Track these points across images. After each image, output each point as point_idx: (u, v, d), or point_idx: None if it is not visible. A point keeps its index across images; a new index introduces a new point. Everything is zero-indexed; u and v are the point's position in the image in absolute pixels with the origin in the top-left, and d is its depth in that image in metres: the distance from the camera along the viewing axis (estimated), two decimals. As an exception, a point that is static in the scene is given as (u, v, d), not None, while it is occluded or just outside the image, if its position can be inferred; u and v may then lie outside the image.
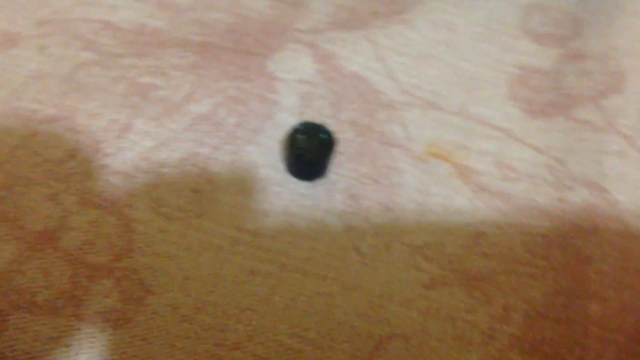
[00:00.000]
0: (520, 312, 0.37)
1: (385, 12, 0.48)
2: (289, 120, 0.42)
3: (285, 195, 0.40)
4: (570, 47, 0.49)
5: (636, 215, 0.40)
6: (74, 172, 0.38)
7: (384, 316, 0.36)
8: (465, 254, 0.39)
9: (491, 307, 0.37)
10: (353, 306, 0.36)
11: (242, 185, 0.40)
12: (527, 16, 0.50)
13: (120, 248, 0.36)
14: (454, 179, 0.42)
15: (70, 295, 0.35)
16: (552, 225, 0.40)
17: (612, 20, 0.49)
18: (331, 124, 0.42)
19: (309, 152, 0.39)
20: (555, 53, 0.48)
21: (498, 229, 0.40)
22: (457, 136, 0.44)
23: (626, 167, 0.42)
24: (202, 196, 0.39)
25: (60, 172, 0.38)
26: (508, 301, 0.38)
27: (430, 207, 0.40)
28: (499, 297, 0.38)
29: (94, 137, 0.39)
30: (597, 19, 0.50)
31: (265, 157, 0.41)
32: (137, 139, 0.40)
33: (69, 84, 0.41)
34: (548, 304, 0.37)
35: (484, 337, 0.36)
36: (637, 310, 0.37)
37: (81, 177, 0.38)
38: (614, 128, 0.43)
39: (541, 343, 0.36)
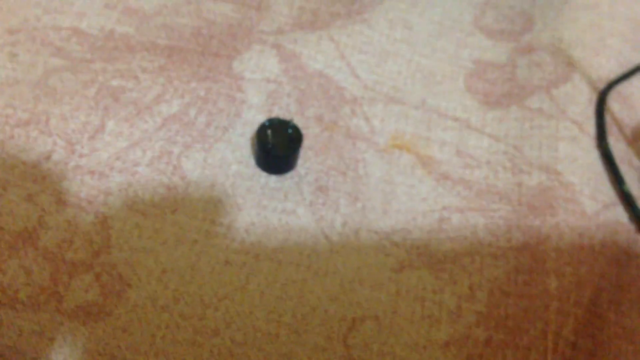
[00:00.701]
0: (484, 290, 0.39)
1: (345, 12, 0.50)
2: (257, 118, 0.44)
3: (256, 189, 0.41)
4: (522, 41, 0.51)
5: (588, 196, 0.42)
6: (49, 174, 0.39)
7: (355, 299, 0.38)
8: (431, 239, 0.41)
9: (457, 287, 0.39)
10: (325, 291, 0.38)
11: (214, 180, 0.41)
12: (481, 13, 0.53)
13: (98, 245, 0.38)
14: (417, 169, 0.44)
15: (51, 291, 0.36)
16: (511, 209, 0.42)
17: (560, 14, 0.52)
18: (297, 121, 0.44)
19: (277, 146, 0.40)
20: (508, 47, 0.51)
21: (461, 213, 0.42)
22: (419, 128, 0.45)
23: (578, 151, 0.44)
24: (176, 192, 0.40)
25: (36, 174, 0.39)
26: (473, 281, 0.40)
27: (396, 195, 0.42)
28: (464, 278, 0.40)
29: (68, 139, 0.40)
30: (547, 13, 0.52)
31: (236, 153, 0.42)
32: (111, 140, 0.41)
33: (41, 89, 0.42)
34: (510, 282, 0.39)
35: (452, 315, 0.38)
36: (593, 284, 0.39)
37: (57, 178, 0.39)
38: (566, 115, 0.46)
39: (505, 318, 0.38)
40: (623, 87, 0.48)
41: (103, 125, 0.41)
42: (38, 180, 0.39)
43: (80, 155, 0.40)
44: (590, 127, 0.45)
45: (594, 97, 0.47)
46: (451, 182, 0.43)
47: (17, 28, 0.45)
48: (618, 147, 0.45)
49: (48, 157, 0.40)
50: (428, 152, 0.45)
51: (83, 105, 0.42)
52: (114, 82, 0.43)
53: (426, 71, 0.49)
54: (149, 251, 0.38)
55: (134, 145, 0.41)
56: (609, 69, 0.49)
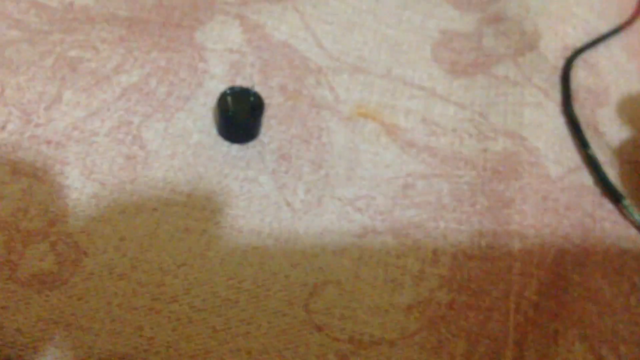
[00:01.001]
0: (448, 254, 0.39)
1: (310, -17, 0.50)
2: (219, 88, 0.43)
3: (217, 158, 0.41)
4: (489, 11, 0.51)
5: (553, 160, 0.42)
6: (4, 143, 0.39)
7: (317, 265, 0.38)
8: (395, 205, 0.40)
9: (421, 252, 0.39)
10: (287, 257, 0.38)
11: (174, 150, 0.40)
12: (448, -16, 0.52)
13: (53, 214, 0.37)
14: (383, 137, 0.43)
15: (5, 259, 0.35)
16: (476, 174, 0.42)
17: (527, -16, 0.51)
18: (261, 90, 0.43)
19: (238, 114, 0.40)
20: (475, 17, 0.50)
21: (425, 180, 0.42)
22: (384, 97, 0.45)
23: (543, 117, 0.44)
24: (136, 162, 0.40)
25: (-10, 143, 0.38)
26: (436, 245, 0.39)
27: (360, 163, 0.42)
28: (428, 242, 0.39)
29: (24, 109, 0.40)
30: (513, -17, 0.52)
31: (198, 123, 0.42)
32: (68, 110, 0.40)
33: (-3, 60, 0.41)
34: (474, 246, 0.39)
35: (415, 279, 0.38)
36: (556, 246, 0.39)
37: (12, 148, 0.39)
38: (531, 82, 0.45)
39: (468, 281, 0.38)
40: (589, 55, 0.48)
41: (60, 95, 0.41)
42: (-7, 150, 0.38)
43: (36, 125, 0.39)
44: (556, 94, 0.45)
45: (560, 65, 0.47)
46: (416, 149, 0.43)
47: (-26, 0, 0.44)
48: (584, 113, 0.45)
49: (3, 127, 0.39)
50: (393, 120, 0.44)
51: (39, 76, 0.41)
52: (72, 53, 0.43)
53: (392, 41, 0.48)
54: (106, 220, 0.37)
55: (92, 115, 0.41)
56: (575, 37, 0.48)
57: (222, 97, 0.40)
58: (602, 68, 0.48)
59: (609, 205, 0.42)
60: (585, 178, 0.42)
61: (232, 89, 0.41)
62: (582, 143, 0.43)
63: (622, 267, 0.39)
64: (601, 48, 0.49)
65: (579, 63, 0.47)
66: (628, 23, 0.50)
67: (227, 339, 0.35)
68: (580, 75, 0.47)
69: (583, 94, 0.46)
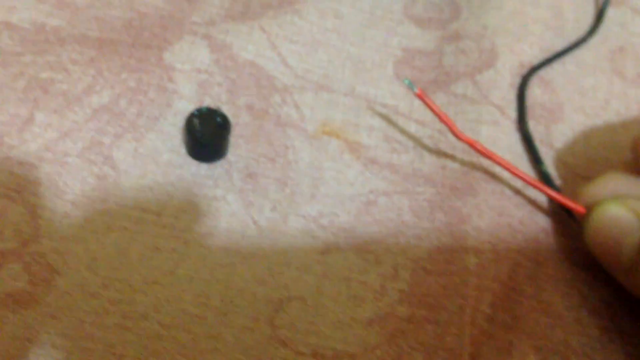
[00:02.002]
0: (408, 269, 0.41)
1: (277, 3, 0.51)
2: (187, 108, 0.45)
3: (186, 177, 0.42)
4: (449, 29, 0.52)
5: (508, 177, 0.44)
6: (-22, 165, 0.40)
7: (282, 281, 0.39)
8: (358, 221, 0.42)
9: (382, 267, 0.41)
10: (253, 274, 0.39)
11: (145, 170, 0.42)
12: (411, 2, 0.54)
13: (27, 234, 0.38)
14: (346, 154, 0.45)
15: (-21, 280, 0.36)
16: (435, 191, 0.44)
17: (486, 2, 0.53)
18: (228, 110, 0.45)
19: (206, 135, 0.41)
20: (436, 35, 0.52)
21: (387, 197, 0.43)
22: (348, 115, 0.47)
23: (499, 134, 0.46)
24: (107, 182, 0.41)
25: (-36, 166, 0.40)
26: (397, 261, 0.41)
27: (324, 180, 0.44)
28: (388, 258, 0.41)
29: (-3, 132, 0.41)
30: (473, 1, 0.54)
31: (167, 143, 0.43)
32: (40, 131, 0.42)
33: (-31, 83, 0.43)
34: (432, 261, 0.41)
35: (376, 294, 0.40)
36: (510, 260, 0.41)
37: (-15, 170, 0.40)
38: (488, 100, 0.47)
39: (426, 296, 0.40)
40: (545, 72, 0.50)
41: (32, 117, 0.42)
42: (-34, 173, 0.39)
43: (9, 147, 0.41)
44: (512, 111, 0.47)
45: (516, 82, 0.49)
46: (378, 166, 0.45)
47: (-54, 22, 0.45)
48: (538, 129, 0.47)
49: (-24, 150, 0.40)
50: (356, 138, 0.46)
51: (12, 98, 0.42)
52: (44, 75, 0.44)
53: (356, 59, 0.50)
54: (78, 240, 0.39)
55: (63, 136, 0.42)
56: (531, 54, 0.50)
57: (190, 119, 0.42)
58: (557, 85, 0.50)
59: (561, 220, 0.44)
60: (539, 194, 0.44)
61: (199, 110, 0.42)
62: (535, 159, 0.45)
63: (573, 279, 0.41)
64: (556, 65, 0.51)
65: (534, 80, 0.49)
66: (582, 40, 0.52)
67: (195, 355, 0.36)
68: (535, 93, 0.49)
69: (538, 110, 0.48)
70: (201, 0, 0.50)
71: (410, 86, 0.43)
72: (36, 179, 0.40)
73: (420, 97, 0.43)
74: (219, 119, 0.42)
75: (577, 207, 0.40)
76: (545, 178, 0.44)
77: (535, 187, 0.41)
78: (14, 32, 0.46)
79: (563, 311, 0.40)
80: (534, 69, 0.49)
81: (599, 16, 0.54)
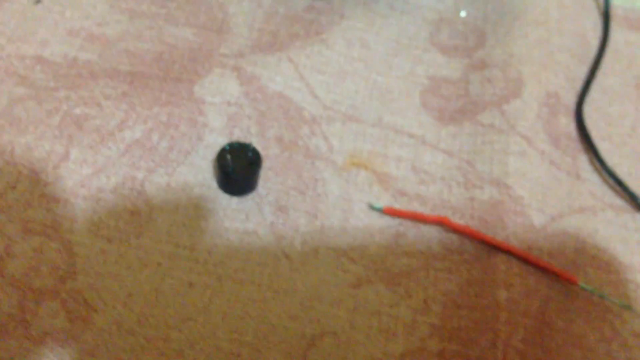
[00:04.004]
0: (438, 303, 0.41)
1: (304, 34, 0.52)
2: (218, 141, 0.45)
3: (218, 211, 0.43)
4: (475, 57, 0.53)
5: (536, 208, 0.44)
6: (15, 203, 0.40)
7: (314, 316, 0.40)
8: (387, 254, 0.43)
9: (412, 301, 0.41)
10: (285, 309, 0.40)
11: (177, 204, 0.42)
12: (436, 31, 0.54)
13: (64, 271, 0.39)
14: (374, 185, 0.45)
15: (19, 318, 0.37)
16: (464, 223, 0.44)
17: (511, 30, 0.53)
18: (258, 142, 0.45)
19: (237, 170, 0.42)
20: (461, 63, 0.53)
21: (416, 229, 0.44)
22: (376, 145, 0.47)
23: (527, 165, 0.46)
24: (140, 217, 0.42)
25: (2, 203, 0.40)
26: (427, 294, 0.41)
27: (354, 213, 0.44)
28: (419, 291, 0.41)
29: (33, 168, 0.42)
30: (498, 29, 0.54)
31: (198, 176, 0.44)
32: (75, 167, 0.42)
33: (5, 119, 0.43)
34: (463, 294, 0.41)
35: (407, 328, 0.40)
36: (540, 294, 0.41)
37: (23, 207, 0.40)
38: (515, 130, 0.47)
39: (458, 330, 0.40)
40: (570, 101, 0.50)
41: (67, 153, 0.43)
42: (4, 210, 0.40)
43: (45, 184, 0.41)
44: (539, 142, 0.47)
45: (543, 113, 0.49)
46: (407, 198, 0.45)
47: (-19, 58, 0.46)
48: (566, 160, 0.48)
49: (14, 187, 0.41)
50: (385, 169, 0.46)
51: (47, 134, 0.43)
52: (78, 110, 0.45)
53: (383, 89, 0.50)
54: (114, 276, 0.39)
55: (98, 172, 0.43)
56: (557, 84, 0.51)
57: (221, 153, 0.42)
58: (583, 113, 0.50)
59: (591, 251, 0.44)
60: (568, 225, 0.44)
61: (230, 144, 0.43)
62: (631, 196, 0.47)
63: (604, 312, 0.42)
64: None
65: (560, 110, 0.50)
66: (597, 63, 0.53)
67: (231, 392, 0.37)
68: (561, 122, 0.49)
69: (564, 140, 0.48)
70: (230, 31, 0.51)
71: (377, 208, 0.44)
72: (72, 216, 0.41)
73: (388, 212, 0.44)
74: (250, 154, 0.43)
75: (571, 277, 0.41)
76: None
77: (524, 258, 0.42)
78: (47, 66, 0.47)
79: (594, 344, 0.40)
80: (581, 101, 0.50)
81: (605, 32, 0.54)
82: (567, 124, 0.49)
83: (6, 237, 0.39)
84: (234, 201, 0.43)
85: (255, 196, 0.44)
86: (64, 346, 0.37)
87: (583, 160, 0.48)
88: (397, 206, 0.45)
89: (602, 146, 0.49)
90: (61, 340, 0.37)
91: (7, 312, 0.37)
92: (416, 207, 0.45)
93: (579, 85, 0.52)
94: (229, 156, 0.42)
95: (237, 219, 0.43)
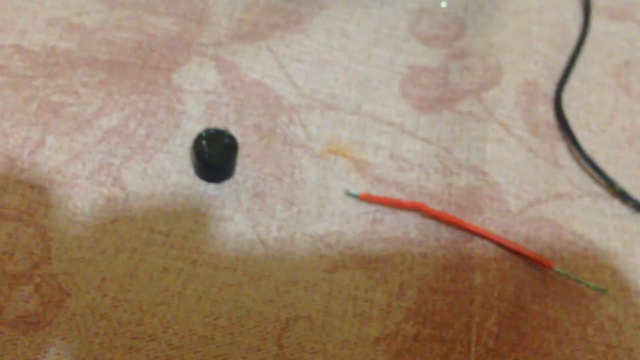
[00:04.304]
0: (414, 288, 0.41)
1: (283, 23, 0.52)
2: (196, 129, 0.45)
3: (195, 197, 0.43)
4: (455, 46, 0.53)
5: (513, 195, 0.44)
6: (-10, 189, 0.40)
7: (289, 301, 0.40)
8: (364, 240, 0.43)
9: (388, 286, 0.41)
10: (260, 294, 0.40)
11: (153, 190, 0.42)
12: (416, 20, 0.55)
13: (38, 256, 0.39)
14: (352, 173, 0.45)
15: (-9, 302, 0.37)
16: (441, 209, 0.44)
17: (491, 20, 0.54)
18: (236, 130, 0.45)
19: (214, 155, 0.42)
20: (441, 53, 0.53)
21: (393, 215, 0.44)
22: (354, 133, 0.47)
23: (504, 152, 0.46)
24: (116, 203, 0.42)
25: (-24, 189, 0.40)
26: (403, 279, 0.41)
27: (331, 199, 0.44)
28: (395, 276, 0.41)
29: (8, 155, 0.42)
30: (478, 19, 0.54)
31: (175, 163, 0.44)
32: (50, 154, 0.42)
33: (-18, 107, 0.43)
34: (438, 279, 0.41)
35: (383, 312, 0.40)
36: (516, 279, 0.41)
37: (-2, 193, 0.40)
38: (493, 117, 0.48)
39: (433, 314, 0.40)
40: (549, 89, 0.51)
41: (43, 140, 0.43)
42: (-21, 196, 0.40)
43: (21, 170, 0.41)
44: (517, 130, 0.47)
45: (522, 100, 0.49)
46: (385, 184, 0.45)
47: (-41, 47, 0.46)
48: (544, 148, 0.48)
49: (-12, 173, 0.41)
50: (363, 156, 0.46)
51: (23, 121, 0.43)
52: (55, 98, 0.45)
53: (362, 78, 0.50)
54: (88, 261, 0.39)
55: (74, 158, 0.43)
56: (536, 72, 0.51)
57: (197, 140, 0.42)
58: (562, 101, 0.50)
59: (568, 237, 0.44)
60: (544, 211, 0.44)
61: (207, 131, 0.43)
62: (607, 181, 0.47)
63: (580, 297, 0.42)
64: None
65: (539, 98, 0.50)
66: (577, 51, 0.53)
67: (204, 375, 0.37)
68: (540, 110, 0.49)
69: (543, 128, 0.48)
70: (209, 21, 0.51)
71: (353, 195, 0.44)
72: (47, 202, 0.41)
73: (364, 198, 0.44)
74: (226, 140, 0.43)
75: (546, 262, 0.42)
76: (622, 195, 0.45)
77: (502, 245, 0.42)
78: (25, 55, 0.47)
79: (569, 328, 0.40)
80: (560, 89, 0.50)
81: (585, 22, 0.55)
82: (546, 112, 0.49)
83: (-20, 223, 0.39)
84: (210, 188, 0.43)
85: (232, 183, 0.44)
86: (37, 330, 0.37)
87: (561, 148, 0.48)
88: (375, 193, 0.45)
89: (581, 134, 0.49)
90: (34, 325, 0.37)
91: (-20, 296, 0.37)
92: (394, 194, 0.45)
93: (558, 74, 0.52)
94: (204, 142, 0.42)
95: (214, 205, 0.43)
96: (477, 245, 0.42)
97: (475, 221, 0.43)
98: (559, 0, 0.56)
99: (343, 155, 0.46)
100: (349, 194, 0.44)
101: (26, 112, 0.44)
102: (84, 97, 0.45)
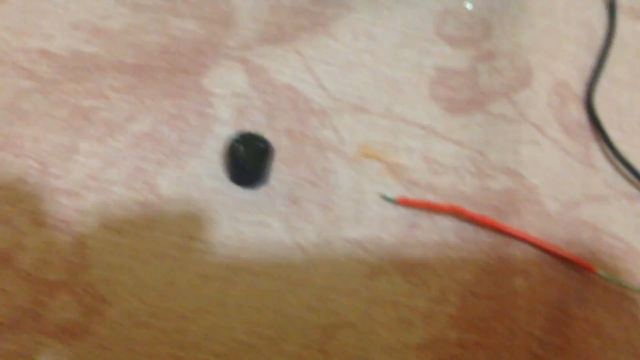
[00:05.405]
0: (455, 293, 0.41)
1: (310, 25, 0.51)
2: (227, 133, 0.45)
3: (230, 203, 0.42)
4: (482, 48, 0.53)
5: (550, 197, 0.44)
6: (25, 196, 0.40)
7: (331, 307, 0.39)
8: (402, 244, 0.42)
9: (429, 291, 0.41)
10: (301, 300, 0.39)
11: (188, 196, 0.42)
12: (442, 22, 0.54)
13: (76, 264, 0.38)
14: (386, 176, 0.45)
15: (32, 312, 0.36)
16: (479, 212, 0.44)
17: (517, 20, 0.53)
18: (267, 134, 0.45)
19: (248, 160, 0.41)
20: (469, 54, 0.52)
21: (430, 219, 0.43)
22: (386, 136, 0.47)
23: (539, 154, 0.46)
24: (152, 210, 0.41)
25: (12, 197, 0.40)
26: (444, 284, 0.41)
27: (367, 203, 0.44)
28: (435, 281, 0.41)
29: (42, 161, 0.41)
30: (504, 20, 0.54)
31: (208, 168, 0.43)
32: (84, 160, 0.42)
33: (12, 113, 0.43)
34: (479, 283, 0.41)
35: (425, 318, 0.40)
36: (558, 282, 0.41)
37: (33, 200, 0.40)
38: (526, 119, 0.47)
39: (476, 319, 0.40)
40: (580, 91, 0.50)
41: (76, 145, 0.42)
42: (14, 203, 0.39)
43: (55, 177, 0.41)
44: (551, 130, 0.47)
45: (553, 101, 0.48)
46: (420, 188, 0.45)
47: (-15, 52, 0.45)
48: (579, 149, 0.47)
49: (23, 180, 0.40)
50: (396, 159, 0.46)
51: (55, 127, 0.42)
52: (85, 103, 0.44)
53: (391, 80, 0.50)
54: (126, 268, 0.39)
55: (108, 164, 0.42)
56: (565, 72, 0.50)
57: (232, 145, 0.42)
58: (592, 103, 0.50)
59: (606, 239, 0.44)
60: (582, 213, 0.44)
61: (241, 135, 0.42)
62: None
63: (622, 300, 0.41)
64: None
65: (571, 99, 0.49)
66: (605, 52, 0.52)
67: (250, 384, 0.36)
68: (572, 111, 0.49)
69: (575, 129, 0.48)
70: (235, 24, 0.51)
71: (390, 199, 0.44)
72: (83, 209, 0.40)
73: (402, 202, 0.43)
74: (261, 144, 0.42)
75: (588, 265, 0.41)
76: None
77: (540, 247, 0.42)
78: (52, 60, 0.46)
79: (614, 332, 0.40)
80: (591, 90, 0.50)
81: (611, 22, 0.54)
82: (578, 113, 0.49)
83: (17, 231, 0.39)
84: (245, 193, 0.43)
85: (267, 188, 0.43)
86: (78, 339, 0.36)
87: (595, 149, 0.48)
88: (410, 197, 0.44)
89: (613, 135, 0.48)
90: (75, 334, 0.36)
91: (20, 305, 0.36)
92: (429, 198, 0.44)
93: (587, 74, 0.51)
94: (240, 147, 0.42)
95: (250, 211, 0.42)
96: (517, 249, 0.42)
97: (514, 224, 0.43)
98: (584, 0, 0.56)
99: (376, 159, 0.46)
100: (384, 197, 0.44)
101: (57, 117, 0.43)
102: (114, 102, 0.44)
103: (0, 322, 0.36)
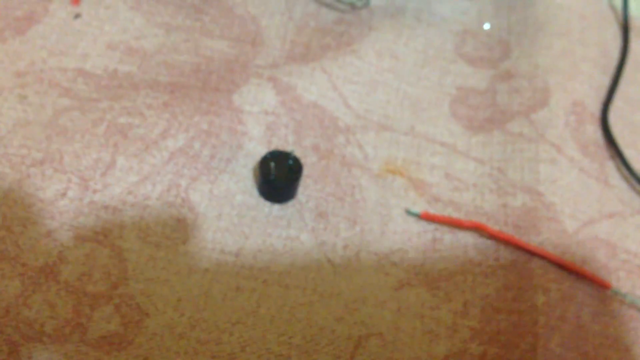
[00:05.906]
0: (477, 307, 0.42)
1: (335, 44, 0.53)
2: (257, 149, 0.46)
3: (261, 218, 0.44)
4: (501, 68, 0.54)
5: (568, 215, 0.46)
6: (66, 210, 0.41)
7: (360, 318, 0.41)
8: (426, 258, 0.44)
9: (452, 304, 0.42)
10: (331, 312, 0.41)
11: (220, 211, 0.44)
12: (461, 42, 0.56)
13: (116, 277, 0.40)
14: (410, 192, 0.47)
15: (75, 323, 0.38)
16: (498, 229, 0.45)
17: (535, 42, 0.55)
18: (296, 150, 0.47)
19: (279, 177, 0.43)
20: (488, 74, 0.54)
21: (451, 234, 0.45)
22: (409, 153, 0.49)
23: (557, 173, 0.47)
24: (186, 224, 0.43)
25: (53, 211, 0.41)
26: (466, 298, 0.43)
27: (392, 217, 0.45)
28: (458, 295, 0.43)
29: (82, 176, 0.43)
30: (522, 41, 0.56)
31: (240, 184, 0.45)
32: (122, 175, 0.43)
33: (52, 129, 0.44)
34: (500, 298, 0.43)
35: (449, 330, 0.41)
36: (576, 299, 0.42)
37: (73, 214, 0.41)
38: (545, 138, 0.49)
39: (497, 333, 0.41)
40: (596, 109, 0.52)
41: (114, 161, 0.44)
42: (56, 217, 0.41)
43: (94, 191, 0.42)
44: (569, 150, 0.49)
45: (570, 120, 0.50)
46: (442, 203, 0.46)
47: (25, 71, 0.47)
48: (594, 167, 0.49)
49: (64, 194, 0.42)
50: (419, 175, 0.48)
51: (94, 143, 0.44)
52: (122, 120, 0.46)
53: (413, 99, 0.52)
54: (164, 281, 0.40)
55: (144, 179, 0.44)
56: (582, 92, 0.52)
57: (264, 162, 0.44)
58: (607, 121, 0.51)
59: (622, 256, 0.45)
60: (599, 231, 0.46)
61: (272, 152, 0.44)
62: None
63: (638, 314, 0.43)
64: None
65: (586, 118, 0.51)
66: (619, 72, 0.54)
67: (284, 392, 0.38)
68: (588, 130, 0.51)
69: (592, 147, 0.50)
70: (263, 43, 0.52)
71: (414, 214, 0.45)
72: (121, 222, 0.42)
73: (426, 217, 0.45)
74: (291, 162, 0.44)
75: (604, 282, 0.43)
76: None
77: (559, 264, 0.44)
78: (88, 78, 0.48)
79: (630, 346, 0.42)
80: (606, 109, 0.51)
81: (625, 43, 0.56)
82: (594, 132, 0.51)
83: (59, 244, 0.40)
84: (275, 208, 0.44)
85: (295, 203, 0.45)
86: (119, 350, 0.38)
87: (610, 167, 0.49)
88: (433, 212, 0.46)
89: (628, 153, 0.50)
90: (116, 344, 0.38)
91: (64, 316, 0.38)
92: (451, 213, 0.46)
93: (603, 94, 0.53)
94: (271, 164, 0.43)
95: (279, 225, 0.44)
96: (537, 266, 0.43)
97: (533, 241, 0.44)
98: (599, 22, 0.58)
99: (400, 175, 0.47)
100: (409, 212, 0.45)
101: (95, 134, 0.45)
102: (149, 118, 0.46)
103: (46, 334, 0.37)
